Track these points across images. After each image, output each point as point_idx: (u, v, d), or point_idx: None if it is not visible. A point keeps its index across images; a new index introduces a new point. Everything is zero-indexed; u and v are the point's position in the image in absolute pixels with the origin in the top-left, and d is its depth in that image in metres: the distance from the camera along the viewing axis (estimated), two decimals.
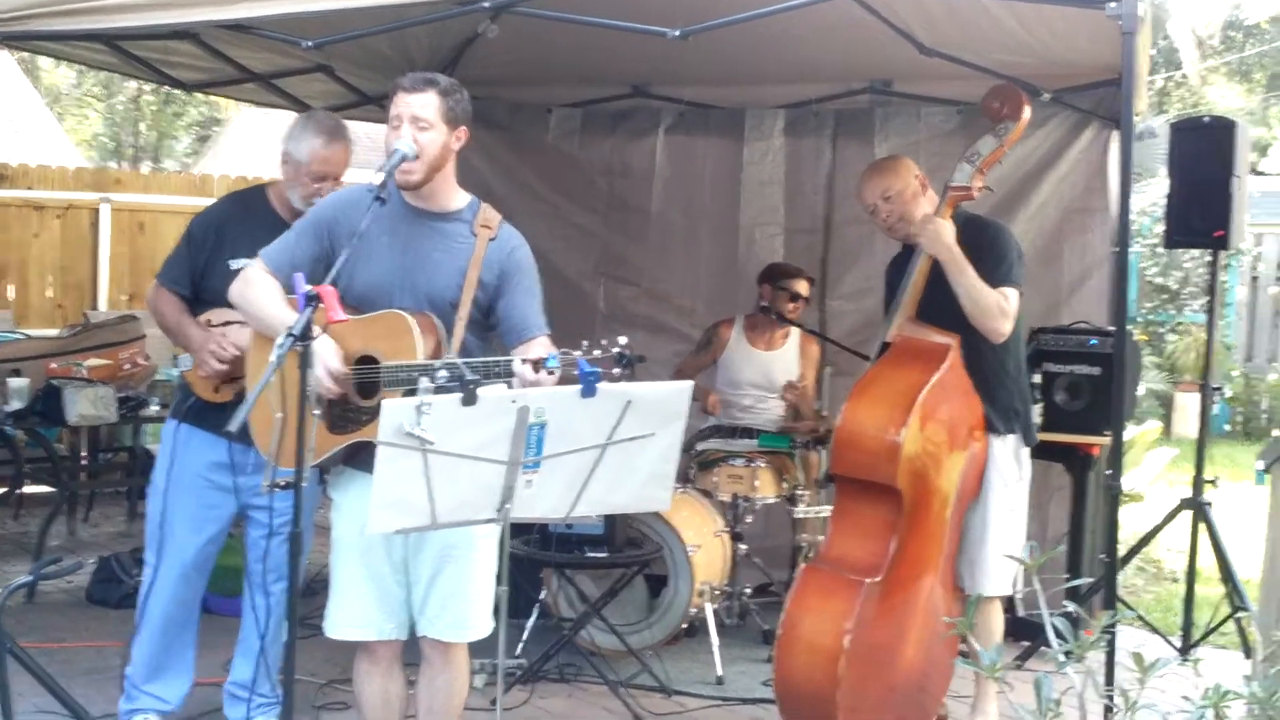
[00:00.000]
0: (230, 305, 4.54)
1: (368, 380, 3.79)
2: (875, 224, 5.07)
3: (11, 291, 10.34)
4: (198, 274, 4.71)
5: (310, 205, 4.58)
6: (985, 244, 4.80)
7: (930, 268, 4.79)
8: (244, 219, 4.73)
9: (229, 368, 4.57)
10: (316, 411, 3.67)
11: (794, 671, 4.60)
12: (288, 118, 8.28)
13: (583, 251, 7.82)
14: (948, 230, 4.73)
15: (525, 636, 5.94)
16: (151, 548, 4.78)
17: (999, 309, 4.71)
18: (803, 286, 6.69)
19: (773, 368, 6.75)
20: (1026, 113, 4.84)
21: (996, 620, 4.94)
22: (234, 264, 4.61)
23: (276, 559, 4.69)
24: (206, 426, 4.70)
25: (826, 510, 6.09)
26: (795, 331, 6.78)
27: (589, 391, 3.33)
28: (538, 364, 3.54)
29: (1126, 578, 7.89)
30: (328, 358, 3.72)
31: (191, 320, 4.69)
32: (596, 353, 3.48)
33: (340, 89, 7.26)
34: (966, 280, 4.69)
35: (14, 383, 7.55)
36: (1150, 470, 9.90)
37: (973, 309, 4.70)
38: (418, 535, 3.84)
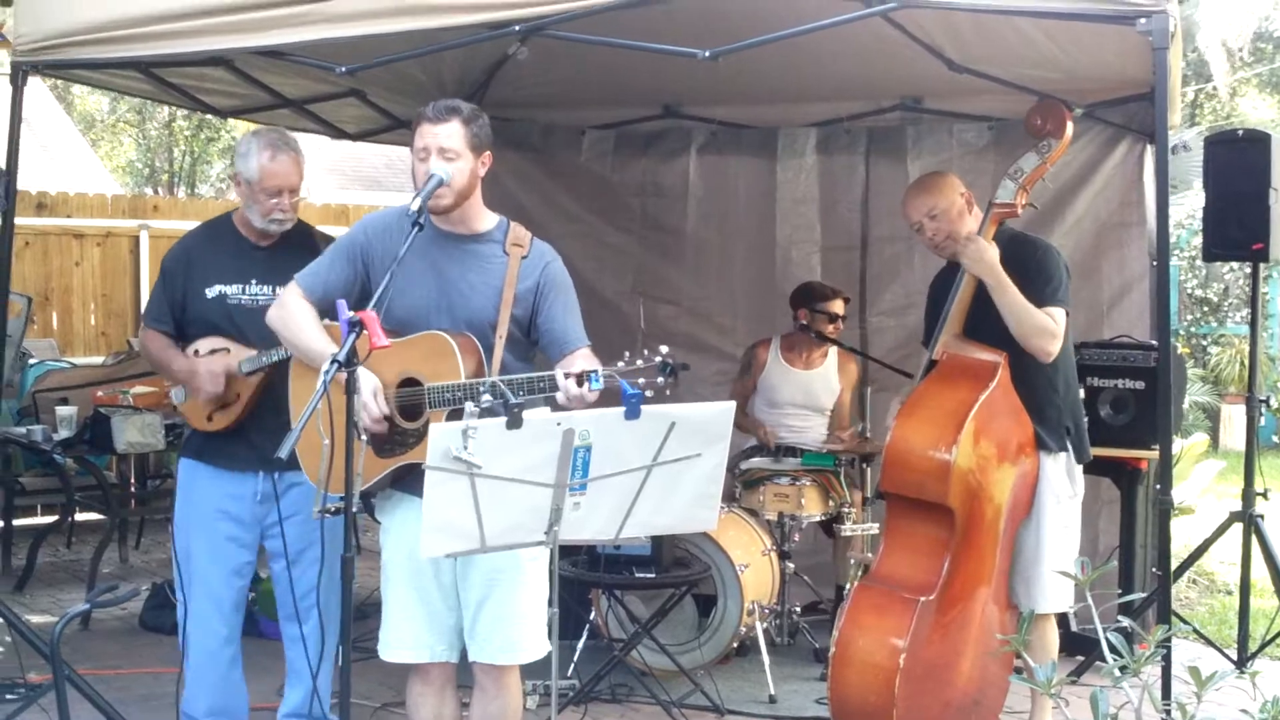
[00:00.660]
0: (217, 333, 4.59)
1: (411, 403, 3.80)
2: (921, 241, 5.04)
3: (55, 320, 10.42)
4: (177, 308, 4.72)
5: (272, 222, 4.64)
6: (1032, 263, 4.77)
7: (976, 284, 4.77)
8: (212, 247, 4.76)
9: (219, 390, 4.58)
10: (364, 437, 3.69)
11: (849, 690, 4.59)
12: (322, 142, 8.37)
13: (619, 272, 7.84)
14: (990, 250, 4.71)
15: (576, 657, 5.93)
16: (179, 585, 4.80)
17: (1045, 329, 4.67)
18: (839, 306, 6.69)
19: (813, 386, 6.75)
20: (1070, 129, 4.82)
21: (1052, 636, 4.91)
22: (209, 292, 4.66)
23: (303, 586, 4.72)
24: (208, 460, 4.73)
25: (873, 528, 6.09)
26: (833, 349, 6.77)
27: (633, 413, 3.33)
28: (581, 378, 3.56)
29: (1179, 591, 7.84)
30: (368, 403, 3.75)
31: (176, 351, 4.70)
32: (639, 362, 3.50)
33: (373, 113, 7.30)
34: (1010, 300, 4.66)
35: (62, 411, 7.64)
36: (1199, 483, 9.82)
37: (1018, 329, 4.67)
38: (464, 559, 3.85)
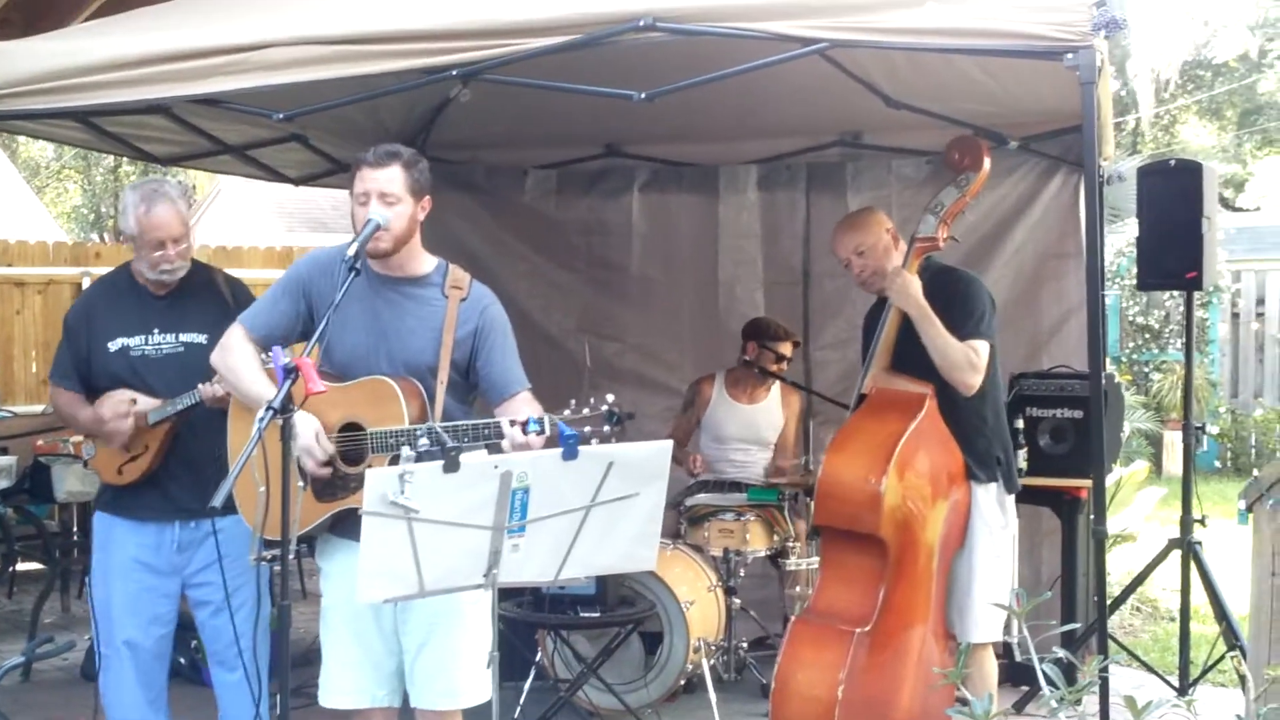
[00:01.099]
0: (123, 385, 4.57)
1: (353, 447, 3.80)
2: (851, 278, 5.11)
3: None
4: (82, 365, 4.72)
5: (162, 273, 4.64)
6: (956, 296, 4.84)
7: (902, 319, 4.83)
8: (112, 300, 4.77)
9: (130, 425, 4.56)
10: (301, 484, 3.68)
11: None
12: (271, 188, 8.35)
13: (564, 310, 7.86)
14: (914, 284, 4.79)
15: (523, 699, 5.91)
16: (97, 637, 4.77)
17: (967, 362, 4.73)
18: (787, 349, 6.77)
19: (757, 420, 6.79)
20: (987, 164, 4.91)
21: (990, 667, 4.95)
22: (112, 345, 4.65)
23: (230, 633, 4.70)
24: (123, 513, 4.72)
25: (816, 562, 6.09)
26: (777, 383, 6.81)
27: (570, 454, 3.34)
28: (524, 425, 3.57)
29: (1123, 618, 7.89)
30: (311, 446, 3.74)
31: (82, 404, 4.69)
32: (585, 410, 3.52)
33: (315, 157, 7.29)
34: (933, 333, 4.73)
35: (1, 461, 7.57)
36: (1141, 510, 9.90)
37: (941, 362, 4.74)
38: (404, 604, 3.84)
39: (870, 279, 4.99)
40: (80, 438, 4.81)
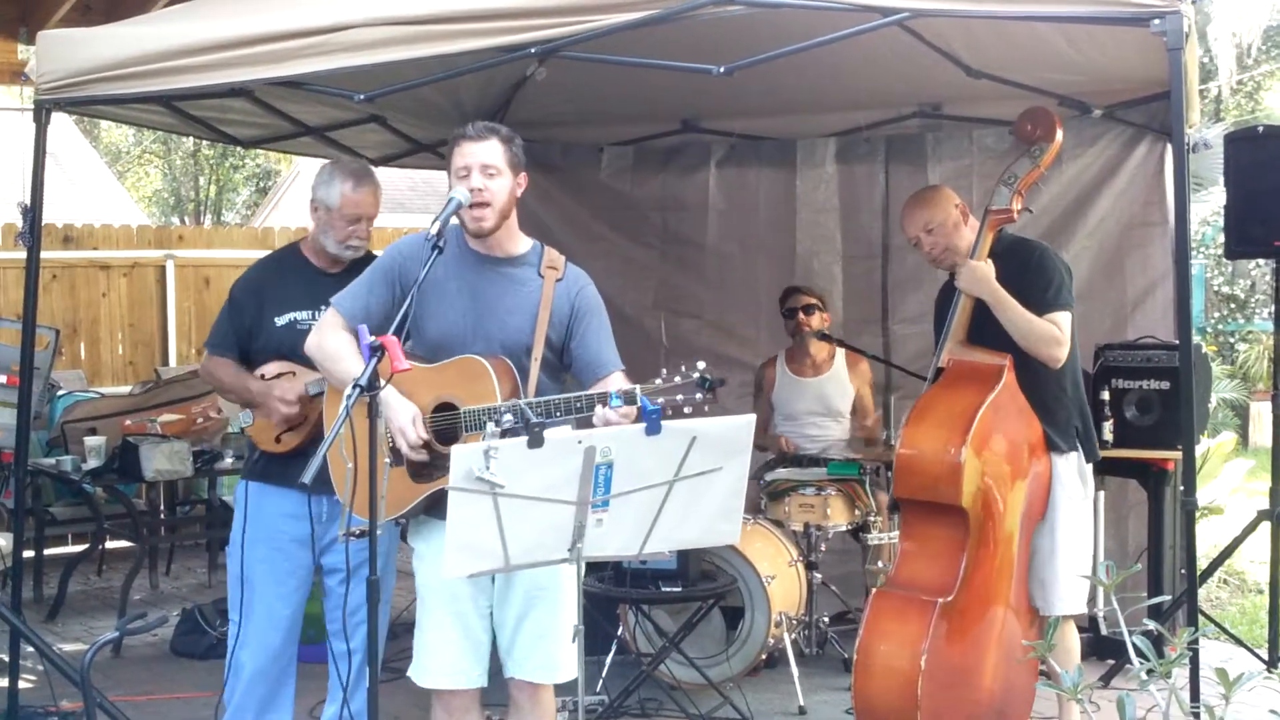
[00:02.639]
0: (281, 358, 4.63)
1: (447, 426, 3.82)
2: (921, 255, 5.07)
3: (83, 350, 10.51)
4: (244, 336, 4.80)
5: (347, 249, 4.71)
6: (1031, 268, 4.79)
7: None
8: (281, 276, 4.85)
9: (295, 411, 4.63)
10: (387, 460, 3.71)
11: (873, 696, 4.59)
12: None
13: (641, 287, 7.87)
14: (984, 270, 4.74)
15: (604, 673, 5.94)
16: (235, 606, 4.83)
17: (1050, 338, 4.69)
18: (801, 299, 6.77)
19: (825, 390, 6.78)
20: (1060, 134, 4.86)
21: (1073, 639, 4.90)
22: (280, 320, 4.73)
23: (353, 602, 4.74)
24: (274, 480, 4.77)
25: (899, 536, 6.07)
26: (840, 351, 6.80)
27: (654, 429, 3.34)
28: (604, 399, 3.58)
29: (1210, 591, 7.80)
30: (405, 428, 3.77)
31: (249, 375, 4.77)
32: (677, 379, 3.51)
33: (394, 138, 7.35)
34: (1012, 315, 4.69)
35: (91, 441, 7.69)
36: (1228, 482, 9.77)
37: (1024, 341, 4.69)
38: (504, 579, 3.88)
39: (941, 256, 4.94)
40: (236, 406, 4.88)
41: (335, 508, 4.71)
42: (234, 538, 4.86)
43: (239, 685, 4.81)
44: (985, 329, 4.77)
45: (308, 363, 4.62)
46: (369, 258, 4.86)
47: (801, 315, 6.71)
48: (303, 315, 4.74)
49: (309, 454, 4.66)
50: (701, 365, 3.55)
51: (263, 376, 4.72)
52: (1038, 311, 4.70)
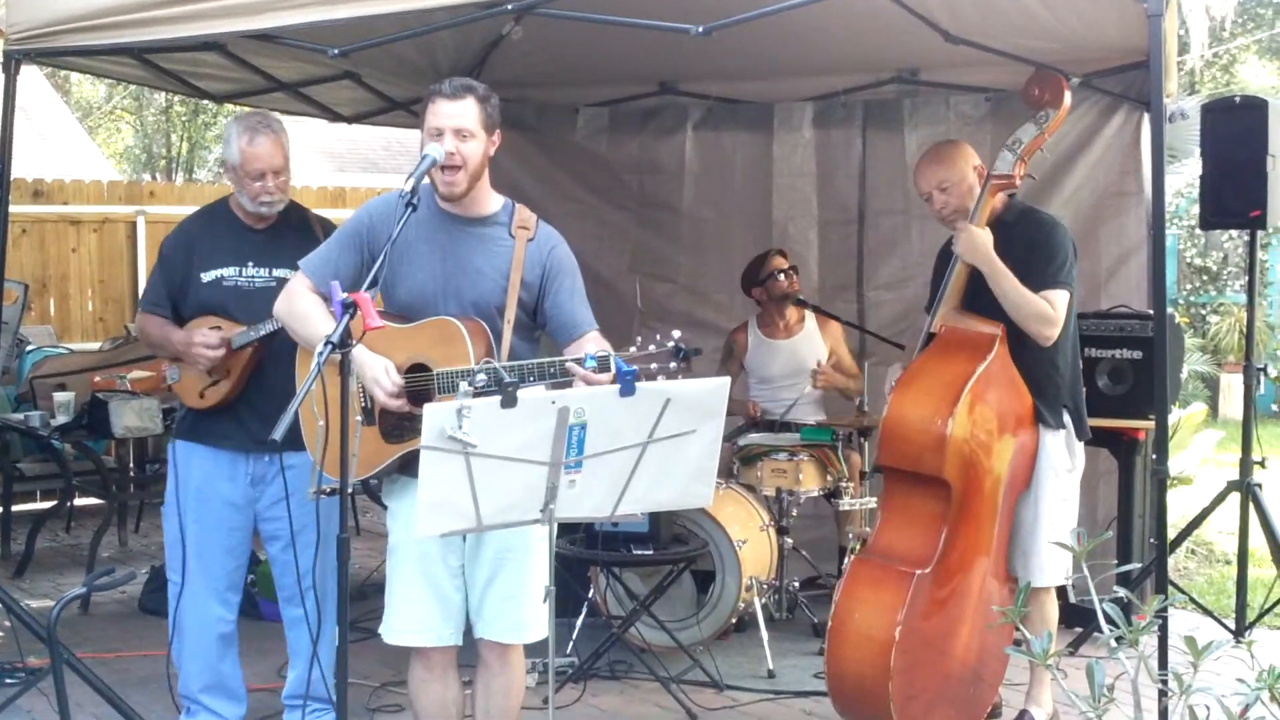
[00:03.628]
0: (210, 314, 4.60)
1: (420, 388, 3.80)
2: (929, 211, 4.99)
3: (52, 306, 10.43)
4: (176, 292, 4.77)
5: (262, 204, 4.67)
6: (1038, 241, 4.73)
7: None
8: (210, 231, 4.81)
9: (220, 354, 4.61)
10: (358, 418, 3.69)
11: (846, 663, 4.60)
12: (318, 125, 8.36)
13: (616, 250, 7.84)
14: (983, 238, 4.68)
15: (575, 635, 5.95)
16: (174, 567, 4.81)
17: (1043, 315, 4.64)
18: (779, 261, 6.77)
19: (799, 351, 6.80)
20: (1068, 99, 4.80)
21: (1051, 609, 4.89)
22: (207, 276, 4.71)
23: (304, 568, 4.73)
24: (202, 439, 4.76)
25: (871, 502, 6.09)
26: (811, 312, 6.79)
27: (628, 390, 3.33)
28: (579, 361, 3.57)
29: (1178, 561, 7.84)
30: (380, 377, 3.74)
31: (174, 327, 4.74)
32: (652, 347, 3.50)
33: (368, 95, 7.29)
34: (1007, 287, 4.64)
35: (59, 397, 7.64)
36: (1198, 452, 9.82)
37: (1016, 315, 4.66)
38: (474, 539, 3.87)
39: (950, 216, 4.84)
40: (166, 363, 4.86)
41: (266, 469, 4.71)
42: (168, 498, 4.84)
43: (184, 647, 4.81)
44: (980, 295, 4.72)
45: (239, 322, 4.61)
46: (295, 211, 4.84)
47: (784, 278, 6.69)
48: (229, 272, 4.71)
49: (234, 411, 4.68)
50: (676, 334, 3.54)
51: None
52: (1036, 286, 4.65)
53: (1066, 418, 4.84)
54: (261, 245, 4.74)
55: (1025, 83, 4.91)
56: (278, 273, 4.69)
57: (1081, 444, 4.91)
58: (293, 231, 4.78)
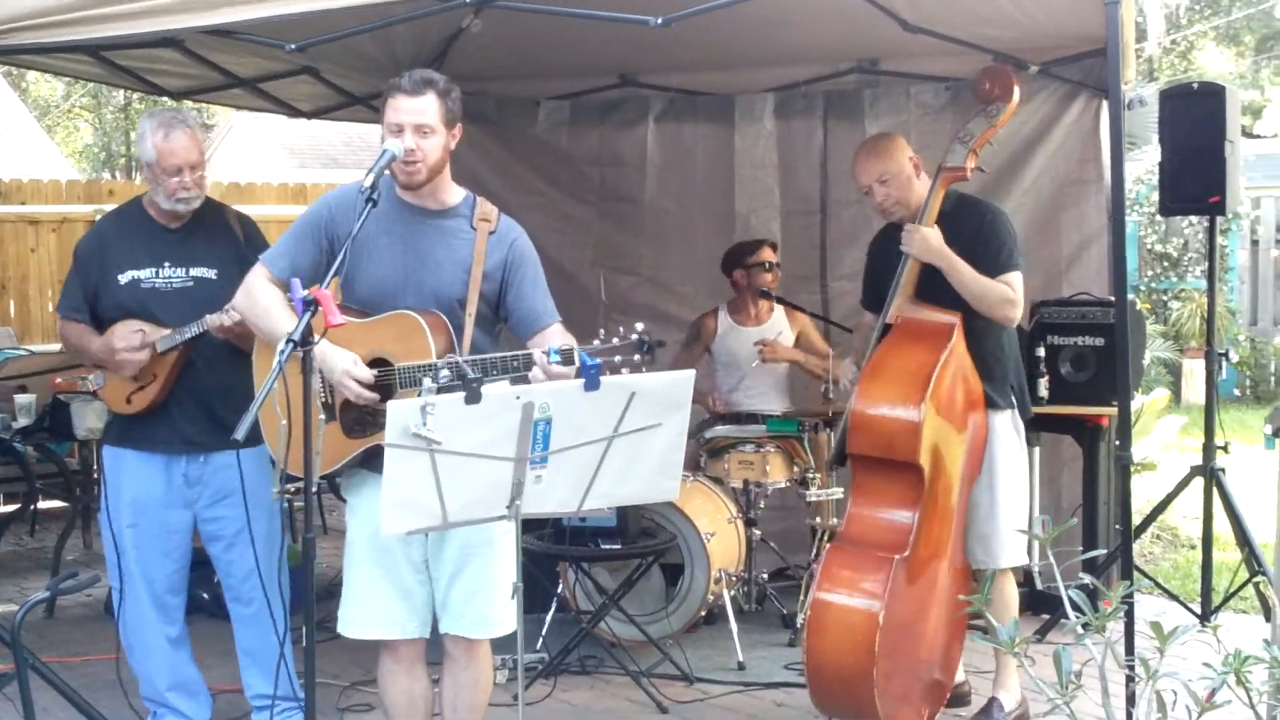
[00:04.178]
0: (129, 318, 4.58)
1: (382, 383, 3.78)
2: (869, 205, 5.05)
3: (12, 307, 10.33)
4: (92, 296, 4.72)
5: (179, 202, 4.62)
6: (982, 230, 4.81)
7: None
8: (123, 233, 4.76)
9: (143, 357, 4.56)
10: (322, 417, 3.67)
11: (827, 652, 4.55)
12: (279, 121, 8.31)
13: (578, 243, 7.82)
14: (936, 237, 4.74)
15: (544, 630, 5.93)
16: (113, 573, 4.78)
17: (1005, 298, 4.73)
18: (769, 253, 6.76)
19: (767, 338, 6.78)
20: (1017, 93, 4.86)
21: (1011, 593, 4.96)
22: (122, 278, 4.65)
23: (243, 568, 4.73)
24: (132, 444, 4.72)
25: (838, 493, 6.10)
26: (776, 304, 6.81)
27: (593, 385, 3.32)
28: (546, 354, 3.56)
29: (1143, 546, 7.89)
30: (349, 369, 3.71)
31: (93, 334, 4.69)
32: (615, 340, 3.49)
33: (327, 90, 7.25)
34: (966, 278, 4.71)
35: (21, 399, 7.55)
36: (1161, 438, 9.88)
37: (980, 303, 4.73)
38: (437, 534, 3.84)
39: (892, 208, 4.92)
40: (91, 372, 4.81)
41: (201, 470, 4.68)
42: (103, 505, 4.80)
43: (135, 654, 4.79)
44: (935, 285, 4.77)
45: (159, 323, 4.57)
46: (212, 209, 4.80)
47: (767, 274, 6.70)
48: (145, 273, 4.66)
49: (163, 414, 4.64)
50: (640, 327, 3.53)
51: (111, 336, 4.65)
52: (989, 273, 4.72)
53: (1012, 397, 4.93)
54: (176, 245, 4.69)
55: (977, 76, 4.98)
56: (195, 272, 4.66)
57: (1024, 425, 5.01)
58: (208, 230, 4.75)
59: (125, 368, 4.58)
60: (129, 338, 4.56)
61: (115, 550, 4.73)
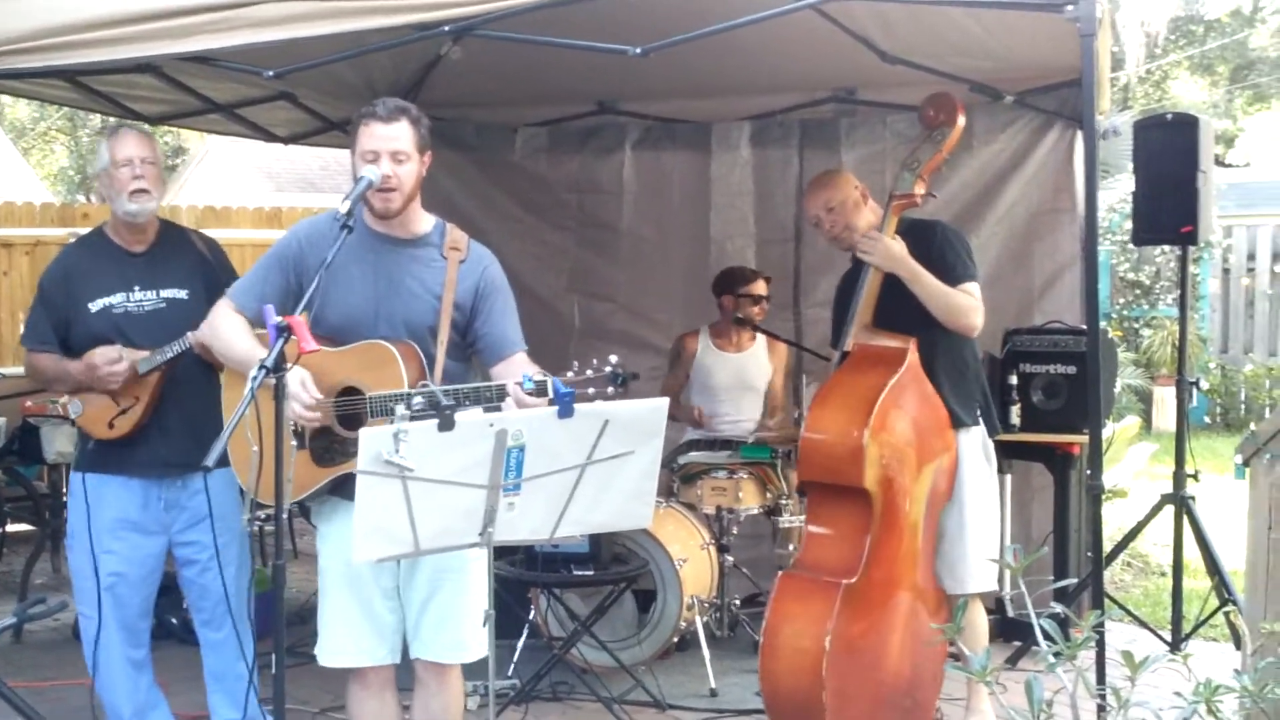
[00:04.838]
0: (105, 343, 4.54)
1: (352, 412, 3.77)
2: (821, 234, 5.15)
3: None
4: (61, 327, 4.70)
5: (133, 200, 4.60)
6: (935, 246, 4.88)
7: (883, 276, 4.86)
8: (89, 262, 4.75)
9: (124, 369, 4.54)
10: (294, 443, 3.66)
11: (779, 677, 4.61)
12: (256, 146, 8.31)
13: (555, 269, 7.83)
14: (898, 246, 4.81)
15: (516, 657, 5.91)
16: (86, 601, 4.72)
17: (968, 306, 4.81)
18: (762, 287, 6.78)
19: (745, 366, 6.83)
20: (961, 119, 4.95)
21: (980, 619, 4.98)
22: (94, 306, 4.64)
23: (217, 593, 4.69)
24: (111, 469, 4.68)
25: None
26: (759, 334, 6.82)
27: (566, 412, 3.33)
28: (520, 383, 3.56)
29: (1114, 574, 7.91)
30: (298, 392, 3.69)
31: (69, 360, 4.66)
32: (589, 372, 3.49)
33: (304, 116, 7.25)
34: (928, 288, 4.78)
35: None
36: (1132, 465, 9.92)
37: (944, 314, 4.78)
38: (409, 560, 3.83)
39: (841, 234, 5.02)
40: (66, 397, 4.77)
41: (179, 494, 4.66)
42: (74, 531, 4.74)
43: (105, 678, 4.75)
44: (890, 312, 4.84)
45: (135, 347, 4.56)
46: (172, 231, 4.83)
47: (754, 307, 6.71)
48: (116, 299, 4.65)
49: (145, 438, 4.62)
50: (614, 359, 3.54)
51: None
52: (950, 283, 4.80)
53: (979, 414, 4.96)
54: (144, 268, 4.69)
55: (921, 104, 5.06)
56: (165, 293, 4.67)
57: (993, 444, 5.04)
58: (173, 251, 4.76)
59: (108, 383, 4.55)
60: (108, 354, 4.55)
61: (91, 575, 4.69)
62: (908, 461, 4.70)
